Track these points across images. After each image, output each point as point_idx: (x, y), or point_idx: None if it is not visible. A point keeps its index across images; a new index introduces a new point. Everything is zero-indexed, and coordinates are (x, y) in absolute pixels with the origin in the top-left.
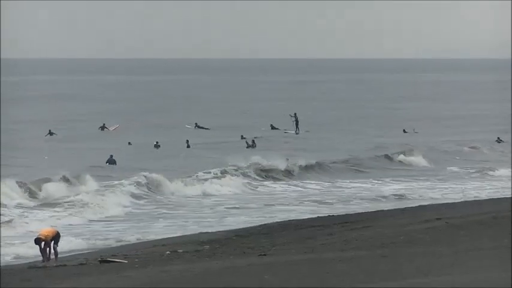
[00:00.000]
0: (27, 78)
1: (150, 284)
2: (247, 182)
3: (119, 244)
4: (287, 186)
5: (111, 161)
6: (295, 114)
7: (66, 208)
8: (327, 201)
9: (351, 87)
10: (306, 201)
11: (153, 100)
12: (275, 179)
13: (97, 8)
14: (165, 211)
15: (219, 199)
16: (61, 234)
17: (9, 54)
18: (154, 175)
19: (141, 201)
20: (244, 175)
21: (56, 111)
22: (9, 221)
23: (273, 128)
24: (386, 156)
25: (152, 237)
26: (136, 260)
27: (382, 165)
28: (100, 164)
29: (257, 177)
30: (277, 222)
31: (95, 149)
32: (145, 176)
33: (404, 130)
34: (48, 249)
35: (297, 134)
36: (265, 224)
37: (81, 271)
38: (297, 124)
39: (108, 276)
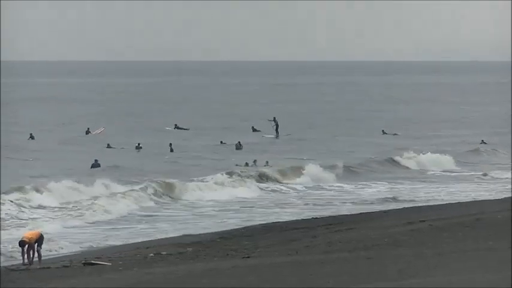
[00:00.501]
0: (19, 80)
1: (133, 286)
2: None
3: (104, 246)
4: (271, 187)
5: (96, 165)
6: (274, 118)
7: (56, 211)
8: (310, 203)
9: (342, 90)
10: (289, 203)
11: (138, 102)
12: (261, 181)
13: (93, 9)
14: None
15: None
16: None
17: (8, 56)
18: (160, 179)
19: (146, 205)
20: (247, 178)
21: (46, 114)
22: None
23: (254, 130)
24: (370, 159)
25: (138, 239)
26: (120, 262)
27: (368, 167)
28: (85, 168)
29: (253, 180)
30: (261, 224)
31: (79, 152)
32: (154, 180)
33: (383, 131)
34: (32, 251)
35: (276, 138)
36: (248, 226)
37: (65, 273)
38: (276, 128)
39: (92, 279)
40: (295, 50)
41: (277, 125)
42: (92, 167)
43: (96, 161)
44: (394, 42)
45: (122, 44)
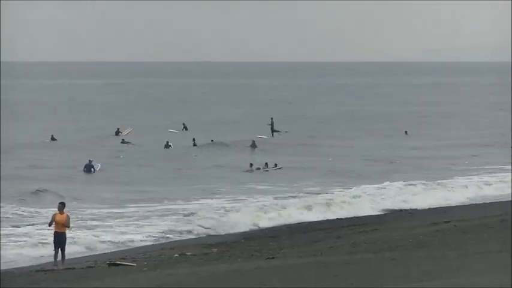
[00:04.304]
0: (23, 82)
1: (156, 287)
2: None
3: (129, 247)
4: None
5: (89, 167)
6: (271, 118)
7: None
8: (334, 204)
9: (344, 92)
10: (313, 204)
11: (145, 103)
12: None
13: (93, 9)
14: None
15: None
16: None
17: (8, 57)
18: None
19: None
20: None
21: (58, 117)
22: None
23: (273, 130)
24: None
25: (162, 240)
26: (145, 263)
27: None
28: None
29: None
30: (285, 225)
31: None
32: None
33: (406, 132)
34: (55, 252)
35: (272, 137)
36: (273, 227)
37: (89, 274)
38: (271, 128)
39: (116, 279)
40: (295, 50)
41: (272, 125)
42: (85, 169)
43: (90, 161)
44: (394, 43)
45: (122, 45)
